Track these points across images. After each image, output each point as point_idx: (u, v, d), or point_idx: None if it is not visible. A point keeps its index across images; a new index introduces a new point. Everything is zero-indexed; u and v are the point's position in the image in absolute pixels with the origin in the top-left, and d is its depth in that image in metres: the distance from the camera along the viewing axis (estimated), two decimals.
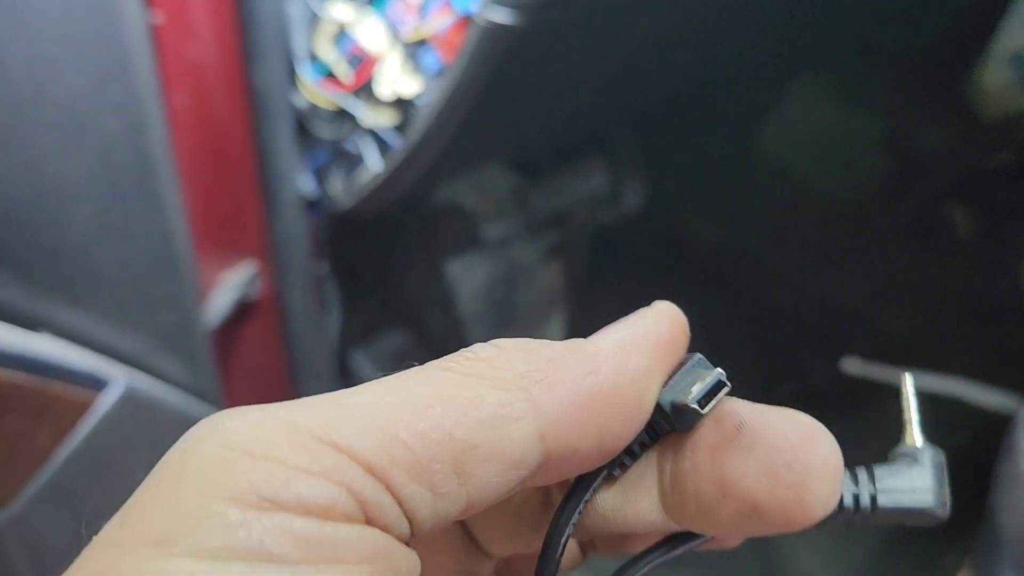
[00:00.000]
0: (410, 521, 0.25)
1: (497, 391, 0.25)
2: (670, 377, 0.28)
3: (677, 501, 0.28)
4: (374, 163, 0.84)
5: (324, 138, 0.86)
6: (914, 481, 0.29)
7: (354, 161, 0.86)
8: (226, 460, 0.23)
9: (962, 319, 1.34)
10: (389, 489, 0.25)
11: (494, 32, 0.65)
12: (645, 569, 0.30)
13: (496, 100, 0.76)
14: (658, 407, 0.28)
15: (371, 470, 0.24)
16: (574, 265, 1.34)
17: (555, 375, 0.26)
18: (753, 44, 1.17)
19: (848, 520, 0.29)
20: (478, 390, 0.25)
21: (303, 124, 0.87)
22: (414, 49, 0.80)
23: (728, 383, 0.27)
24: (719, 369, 0.27)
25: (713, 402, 0.27)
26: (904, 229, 1.41)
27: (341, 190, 0.88)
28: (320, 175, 0.90)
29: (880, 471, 0.30)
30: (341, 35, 0.82)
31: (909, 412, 0.32)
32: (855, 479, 0.30)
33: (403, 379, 0.26)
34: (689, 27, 0.95)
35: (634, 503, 0.29)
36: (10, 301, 0.65)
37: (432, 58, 0.79)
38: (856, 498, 0.29)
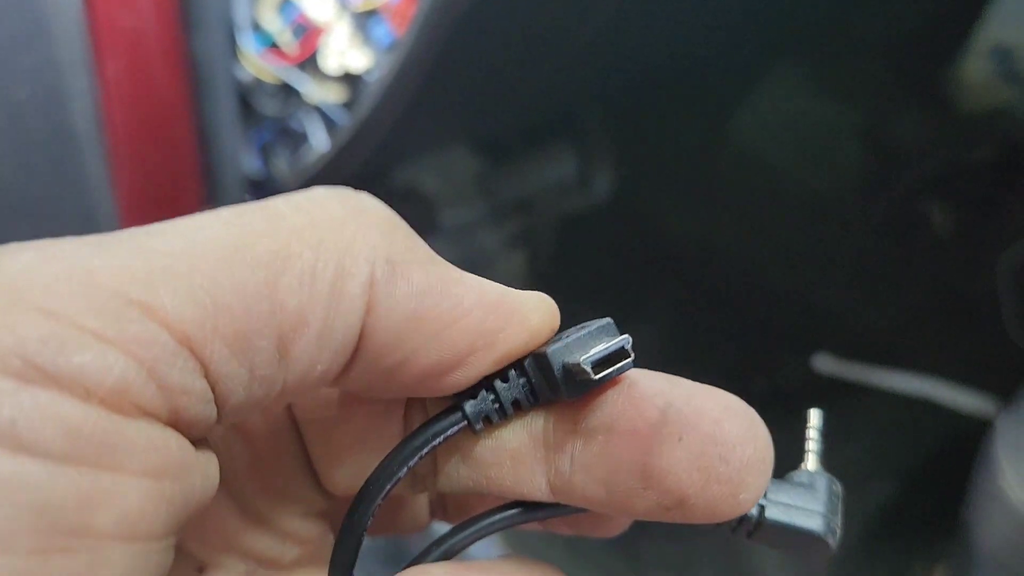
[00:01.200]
0: (218, 408, 0.21)
1: (344, 257, 0.21)
2: (565, 338, 0.25)
3: (579, 485, 0.24)
4: (320, 142, 0.79)
5: (268, 114, 0.81)
6: (806, 502, 0.27)
7: (299, 139, 0.81)
8: None
9: (938, 317, 1.32)
10: (204, 368, 0.20)
11: (446, 4, 0.59)
12: (488, 533, 0.26)
13: (450, 76, 0.71)
14: (544, 365, 0.25)
15: (187, 342, 0.19)
16: (538, 253, 1.30)
17: (411, 259, 0.22)
18: (729, 29, 1.14)
19: (729, 529, 0.26)
20: (321, 252, 0.21)
21: (246, 99, 0.82)
22: (364, 20, 0.74)
23: (632, 353, 0.24)
24: (625, 335, 0.24)
25: (610, 371, 0.24)
26: (880, 224, 1.39)
27: (286, 170, 0.82)
28: (265, 153, 0.85)
29: (773, 484, 0.27)
30: (285, 3, 0.76)
31: (811, 442, 0.29)
32: None
33: (229, 219, 0.21)
34: (661, 6, 0.91)
35: (512, 473, 0.25)
36: None
37: (383, 30, 0.73)
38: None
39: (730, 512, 0.24)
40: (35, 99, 0.64)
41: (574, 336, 0.25)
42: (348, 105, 0.76)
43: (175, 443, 0.20)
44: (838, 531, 0.27)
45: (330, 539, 0.29)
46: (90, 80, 0.72)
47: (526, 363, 0.25)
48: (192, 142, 0.85)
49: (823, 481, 0.27)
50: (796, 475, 0.28)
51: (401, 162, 0.99)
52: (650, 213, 1.42)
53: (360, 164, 0.78)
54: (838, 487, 0.28)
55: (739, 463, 0.23)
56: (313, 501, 0.28)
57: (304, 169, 0.79)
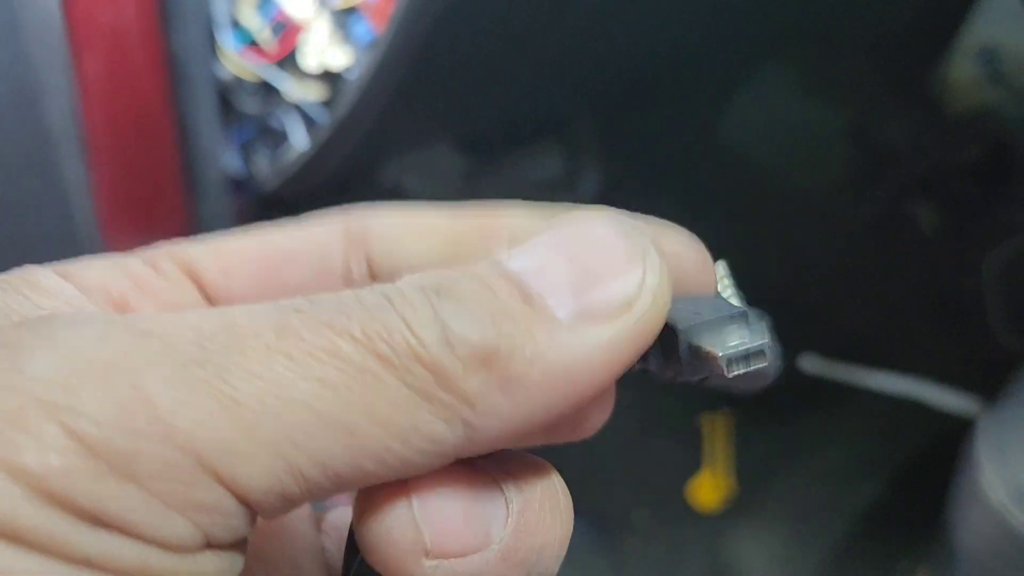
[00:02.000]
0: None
1: (429, 415, 0.20)
2: (697, 312, 0.24)
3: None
4: (299, 141, 0.78)
5: (248, 112, 0.80)
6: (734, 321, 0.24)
7: (280, 138, 0.80)
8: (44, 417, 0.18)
9: (924, 317, 1.32)
10: (249, 519, 0.20)
11: (422, 3, 0.59)
12: None
13: (431, 74, 0.71)
14: (669, 337, 0.23)
15: (247, 503, 0.20)
16: None
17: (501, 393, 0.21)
18: (718, 29, 1.13)
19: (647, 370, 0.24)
20: (410, 409, 0.20)
21: (226, 97, 0.81)
22: (344, 17, 0.74)
23: (769, 359, 0.23)
24: (765, 340, 0.23)
25: (743, 371, 0.23)
26: (868, 224, 1.39)
27: (267, 168, 0.82)
28: (246, 152, 0.84)
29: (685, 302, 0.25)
30: (264, 0, 0.76)
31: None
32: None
33: (314, 370, 0.20)
34: (646, 6, 0.90)
35: None
36: None
37: (363, 28, 0.73)
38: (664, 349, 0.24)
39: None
40: (9, 96, 0.64)
41: (708, 315, 0.24)
42: (328, 103, 0.76)
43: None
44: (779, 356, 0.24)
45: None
46: (67, 77, 0.71)
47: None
48: (172, 140, 0.85)
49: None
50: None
51: (385, 161, 0.99)
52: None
53: (341, 163, 0.78)
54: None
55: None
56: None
57: (285, 168, 0.79)
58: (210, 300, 0.27)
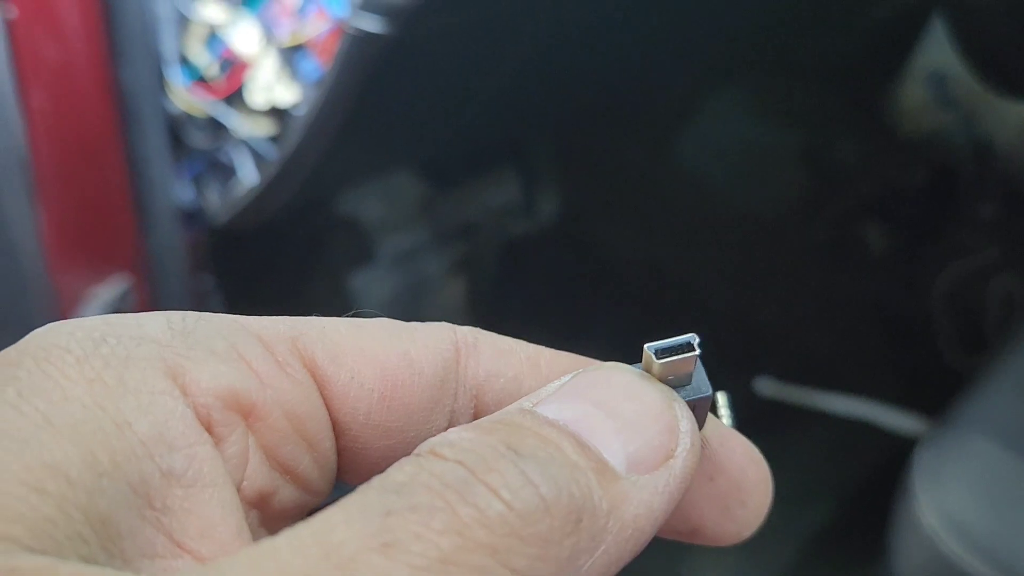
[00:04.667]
0: None
1: None
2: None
3: None
4: (248, 175, 0.79)
5: (197, 147, 0.80)
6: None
7: (229, 172, 0.81)
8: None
9: (874, 339, 1.34)
10: None
11: (365, 41, 0.60)
12: None
13: (376, 109, 0.72)
14: None
15: None
16: (481, 278, 1.30)
17: None
18: (673, 55, 1.15)
19: None
20: None
21: (176, 131, 0.81)
22: (291, 54, 0.74)
23: (698, 348, 0.24)
24: (692, 334, 0.24)
25: (674, 358, 0.24)
26: (819, 246, 1.40)
27: (218, 202, 0.82)
28: (197, 185, 0.85)
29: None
30: (212, 37, 0.76)
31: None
32: None
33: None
34: (601, 32, 0.92)
35: None
36: None
37: (310, 65, 0.73)
38: None
39: (728, 543, 0.27)
40: None
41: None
42: (276, 139, 0.77)
43: None
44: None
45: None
46: (14, 112, 0.72)
47: None
48: (122, 174, 0.85)
49: None
50: None
51: (340, 190, 0.99)
52: (594, 236, 1.42)
53: (292, 196, 0.78)
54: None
55: (755, 508, 0.27)
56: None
57: (235, 202, 0.79)
58: (329, 405, 0.25)
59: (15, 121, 0.72)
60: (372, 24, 0.58)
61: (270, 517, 0.25)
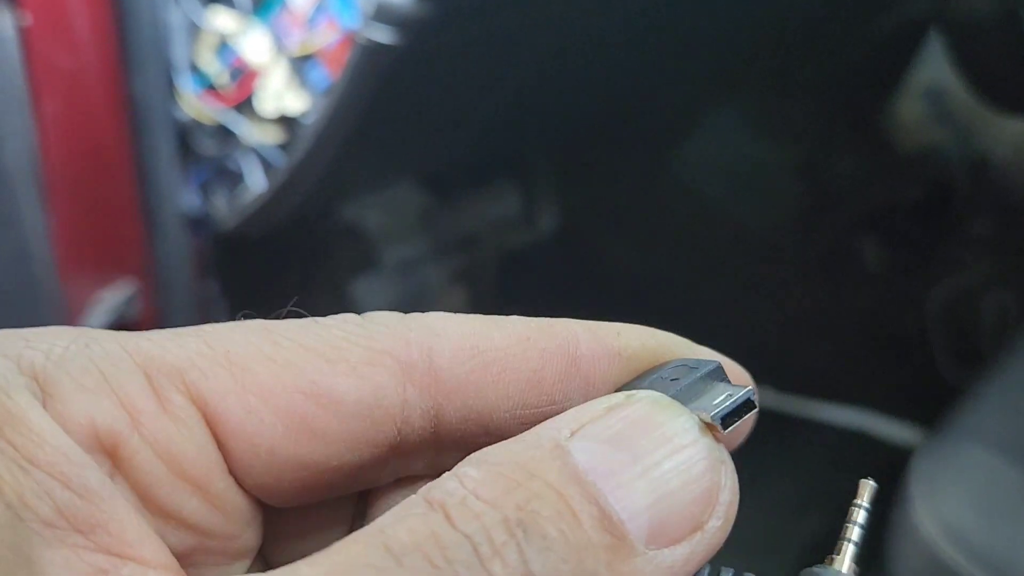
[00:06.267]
0: None
1: None
2: (675, 381, 0.24)
3: None
4: (256, 182, 0.80)
5: (206, 154, 0.82)
6: None
7: (237, 179, 0.82)
8: None
9: (870, 351, 1.35)
10: None
11: (375, 51, 0.61)
12: None
13: (383, 119, 0.73)
14: None
15: None
16: (481, 288, 1.31)
17: None
18: (672, 70, 1.16)
19: None
20: None
21: (185, 138, 0.82)
22: (301, 64, 0.76)
23: (757, 405, 0.22)
24: (750, 387, 0.22)
25: (737, 424, 0.22)
26: (816, 260, 1.41)
27: (224, 208, 0.83)
28: (204, 191, 0.86)
29: None
30: (223, 45, 0.77)
31: (851, 529, 0.24)
32: None
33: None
34: (596, 53, 0.93)
35: None
36: None
37: (320, 74, 0.75)
38: None
39: None
40: None
41: (686, 380, 0.24)
42: (285, 147, 0.78)
43: None
44: None
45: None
46: (27, 118, 0.72)
47: None
48: (130, 180, 0.86)
49: None
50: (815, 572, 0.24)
51: (342, 200, 1.00)
52: (593, 249, 1.43)
53: (299, 204, 0.79)
54: None
55: None
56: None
57: (242, 208, 0.80)
58: (222, 444, 0.23)
59: (28, 127, 0.73)
60: (383, 35, 0.60)
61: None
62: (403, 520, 0.20)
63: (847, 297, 1.38)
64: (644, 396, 0.23)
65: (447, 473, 0.21)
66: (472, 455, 0.22)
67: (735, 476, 0.22)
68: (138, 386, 0.22)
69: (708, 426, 0.22)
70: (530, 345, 0.25)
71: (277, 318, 0.25)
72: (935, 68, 1.36)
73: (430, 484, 0.21)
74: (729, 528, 0.22)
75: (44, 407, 0.21)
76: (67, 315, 0.82)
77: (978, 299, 1.28)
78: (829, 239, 1.42)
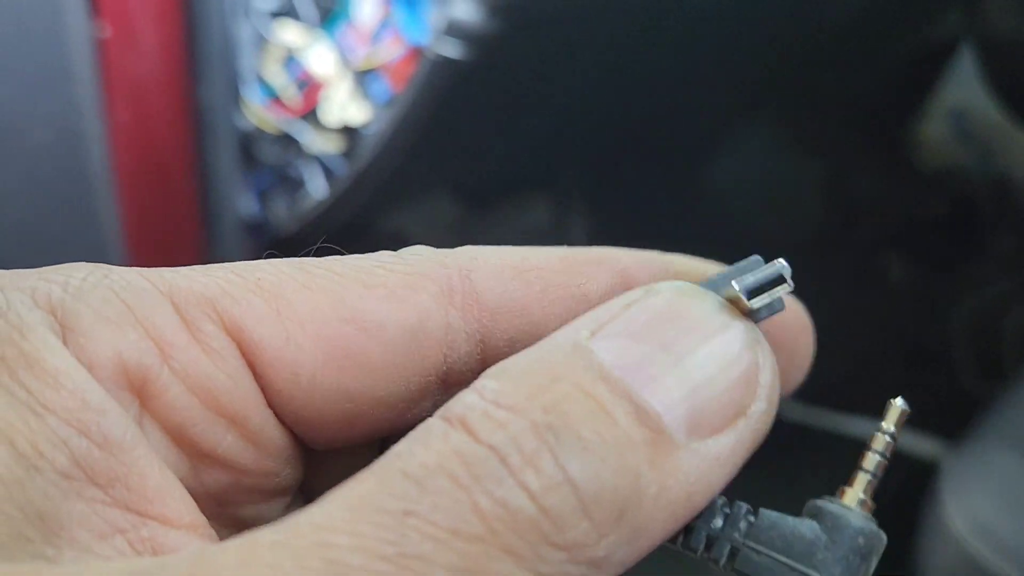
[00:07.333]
0: None
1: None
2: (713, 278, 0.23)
3: None
4: (317, 189, 0.84)
5: (268, 162, 0.85)
6: (809, 554, 0.21)
7: (297, 186, 0.86)
8: None
9: (893, 365, 1.36)
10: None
11: (443, 65, 0.65)
12: None
13: (443, 131, 0.76)
14: None
15: None
16: None
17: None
18: (701, 89, 1.19)
19: (698, 559, 0.22)
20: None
21: (247, 146, 0.86)
22: (363, 77, 0.79)
23: (790, 281, 0.21)
24: (780, 260, 0.21)
25: (765, 298, 0.21)
26: (841, 274, 1.43)
27: (284, 214, 0.87)
28: (264, 198, 0.89)
29: (765, 521, 0.22)
30: (289, 59, 0.81)
31: (869, 458, 0.24)
32: (726, 514, 0.22)
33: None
34: (636, 70, 0.96)
35: None
36: None
37: (381, 87, 0.79)
38: (709, 540, 0.22)
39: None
40: (55, 142, 0.69)
41: (725, 272, 0.23)
42: (346, 155, 0.81)
43: None
44: None
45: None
46: (103, 125, 0.76)
47: None
48: (193, 185, 0.89)
49: (852, 527, 0.22)
50: (823, 506, 0.23)
51: (389, 210, 1.04)
52: None
53: (355, 211, 0.83)
54: (873, 539, 0.22)
55: (799, 374, 0.27)
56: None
57: (303, 213, 0.84)
58: (259, 375, 0.22)
59: (102, 133, 0.77)
60: (451, 50, 0.64)
61: (206, 505, 0.22)
62: (421, 442, 0.18)
63: (871, 311, 1.39)
64: (665, 287, 0.21)
65: (464, 389, 0.19)
66: (490, 368, 0.20)
67: (773, 357, 0.21)
68: (166, 316, 0.21)
69: (734, 302, 0.21)
70: (571, 261, 0.23)
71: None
72: (960, 89, 1.38)
73: (448, 403, 0.19)
74: (774, 411, 0.21)
75: (64, 343, 0.19)
76: None
77: (1001, 315, 1.30)
78: (854, 254, 1.44)
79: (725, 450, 0.20)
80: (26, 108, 0.69)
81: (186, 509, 0.20)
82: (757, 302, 0.21)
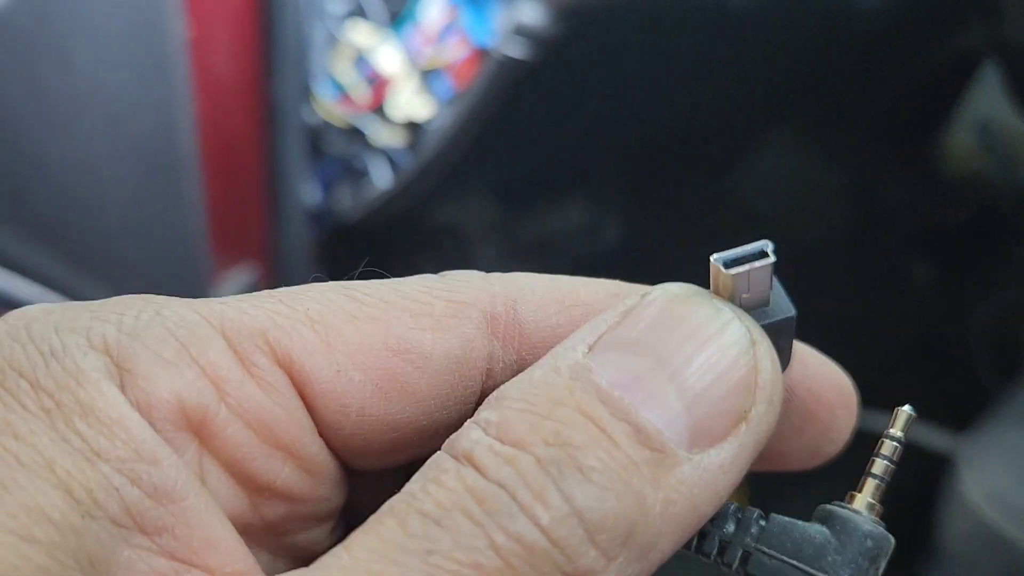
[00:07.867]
0: None
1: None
2: None
3: None
4: (382, 180, 0.89)
5: (334, 153, 0.91)
6: (819, 558, 0.22)
7: (361, 177, 0.91)
8: None
9: (915, 364, 1.40)
10: None
11: (508, 65, 0.70)
12: None
13: (498, 130, 0.82)
14: None
15: None
16: None
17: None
18: (731, 97, 1.23)
19: (711, 563, 0.23)
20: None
21: (315, 140, 0.92)
22: (429, 75, 0.85)
23: (773, 256, 0.21)
24: (766, 240, 0.21)
25: (743, 268, 0.21)
26: (866, 277, 1.46)
27: (349, 204, 0.92)
28: (328, 188, 0.95)
29: (776, 525, 0.23)
30: (359, 58, 0.87)
31: (877, 463, 0.24)
32: (738, 519, 0.23)
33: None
34: (676, 78, 1.01)
35: None
36: (53, 275, 0.69)
37: (445, 85, 0.84)
38: (722, 545, 0.23)
39: (803, 468, 0.25)
40: (156, 131, 0.75)
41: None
42: (411, 148, 0.87)
43: None
44: None
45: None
46: (191, 116, 0.82)
47: None
48: (261, 173, 0.95)
49: (861, 530, 0.22)
50: (833, 511, 0.23)
51: (443, 203, 1.09)
52: (655, 259, 1.49)
53: (415, 201, 0.89)
54: (881, 542, 0.22)
55: (842, 440, 0.26)
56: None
57: (368, 203, 0.89)
58: (310, 406, 0.22)
59: (190, 123, 0.82)
60: (518, 51, 0.69)
61: (263, 536, 0.22)
62: (434, 480, 0.19)
63: (895, 313, 1.43)
64: (659, 291, 0.21)
65: (469, 420, 0.20)
66: (489, 397, 0.20)
67: (773, 353, 0.21)
68: (220, 352, 0.21)
69: (721, 285, 0.21)
70: (619, 301, 0.22)
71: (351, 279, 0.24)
72: (985, 100, 1.40)
73: (453, 435, 0.20)
74: (778, 409, 0.21)
75: (122, 386, 0.20)
76: (205, 290, 0.91)
77: (1020, 319, 1.33)
78: (879, 258, 1.47)
79: (728, 458, 0.20)
80: (132, 99, 0.74)
81: (232, 559, 0.20)
82: (735, 270, 0.21)
